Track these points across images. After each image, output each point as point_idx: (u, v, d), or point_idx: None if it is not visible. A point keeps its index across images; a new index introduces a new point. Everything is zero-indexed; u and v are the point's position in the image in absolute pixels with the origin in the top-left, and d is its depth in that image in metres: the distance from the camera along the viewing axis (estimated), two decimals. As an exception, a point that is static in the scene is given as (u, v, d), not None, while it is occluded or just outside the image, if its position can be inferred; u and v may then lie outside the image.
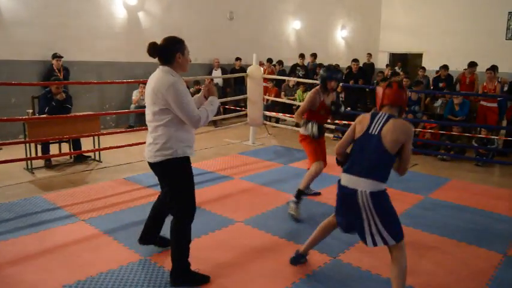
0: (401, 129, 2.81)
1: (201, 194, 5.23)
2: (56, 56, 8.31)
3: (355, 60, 11.14)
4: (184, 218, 3.17)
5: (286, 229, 4.21)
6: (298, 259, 3.46)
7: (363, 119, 2.99)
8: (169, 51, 3.15)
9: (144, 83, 3.75)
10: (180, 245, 3.17)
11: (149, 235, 3.65)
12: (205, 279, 3.23)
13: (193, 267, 3.22)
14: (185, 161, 3.13)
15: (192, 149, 3.19)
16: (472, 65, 9.36)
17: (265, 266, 3.47)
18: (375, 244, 2.85)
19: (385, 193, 2.85)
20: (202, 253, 3.65)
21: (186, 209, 3.16)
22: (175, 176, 3.12)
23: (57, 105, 6.38)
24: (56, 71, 8.23)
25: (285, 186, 5.59)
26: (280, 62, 12.09)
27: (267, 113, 9.42)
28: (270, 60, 11.88)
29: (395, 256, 2.86)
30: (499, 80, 8.55)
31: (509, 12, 14.35)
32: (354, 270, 3.44)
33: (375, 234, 2.84)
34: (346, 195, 2.91)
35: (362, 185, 2.81)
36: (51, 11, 8.46)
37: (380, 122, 2.87)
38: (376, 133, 2.84)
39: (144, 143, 3.28)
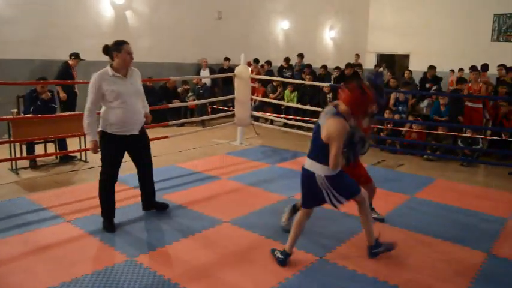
0: (332, 123, 3.17)
1: (188, 194, 5.22)
2: (77, 57, 8.26)
3: (351, 65, 11.07)
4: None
5: (273, 229, 4.21)
6: (286, 259, 3.48)
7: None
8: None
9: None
10: None
11: (146, 201, 4.48)
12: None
13: (180, 267, 3.22)
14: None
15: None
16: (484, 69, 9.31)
17: (252, 266, 3.47)
18: (336, 205, 3.39)
19: (337, 174, 3.30)
20: (189, 253, 3.65)
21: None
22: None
23: (42, 105, 6.31)
24: (72, 69, 8.21)
25: (272, 187, 5.60)
26: (268, 62, 12.11)
27: (255, 113, 9.43)
28: (256, 61, 11.89)
29: (359, 204, 3.46)
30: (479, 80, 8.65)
31: (494, 14, 14.55)
32: (340, 270, 3.46)
33: (333, 199, 3.35)
34: (305, 176, 3.39)
35: (318, 169, 3.28)
36: (37, 10, 8.37)
37: (327, 115, 3.26)
38: (321, 124, 3.27)
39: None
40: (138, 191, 4.63)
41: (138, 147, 4.27)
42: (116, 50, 4.03)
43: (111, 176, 4.10)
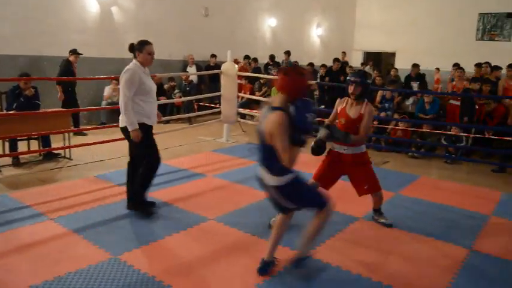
0: (272, 120, 2.84)
1: (174, 191, 5.20)
2: (75, 52, 8.27)
3: (337, 60, 11.16)
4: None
5: (258, 226, 4.21)
6: (266, 268, 3.34)
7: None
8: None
9: (116, 79, 4.21)
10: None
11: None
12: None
13: (165, 264, 3.21)
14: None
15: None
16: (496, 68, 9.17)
17: (238, 263, 3.48)
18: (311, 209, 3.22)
19: (291, 183, 3.03)
20: (174, 250, 3.64)
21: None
22: None
23: (25, 101, 6.23)
24: (73, 66, 8.25)
25: (258, 184, 5.58)
26: (255, 60, 12.09)
27: (241, 111, 9.42)
28: (247, 57, 11.86)
29: (319, 215, 3.18)
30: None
31: (479, 13, 14.72)
32: (324, 267, 3.48)
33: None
34: (261, 185, 3.24)
35: (268, 179, 3.08)
36: (21, 5, 8.23)
37: (265, 115, 2.97)
38: (262, 125, 2.97)
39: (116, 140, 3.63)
40: (123, 188, 4.60)
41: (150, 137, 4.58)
42: (139, 49, 4.31)
43: (158, 160, 4.50)
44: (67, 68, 8.18)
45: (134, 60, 4.30)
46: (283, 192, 3.06)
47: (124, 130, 4.31)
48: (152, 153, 4.45)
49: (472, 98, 7.77)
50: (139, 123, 4.21)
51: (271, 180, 3.04)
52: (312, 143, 3.84)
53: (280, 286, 3.18)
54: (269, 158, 2.98)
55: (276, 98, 2.98)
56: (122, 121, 4.26)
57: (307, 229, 3.24)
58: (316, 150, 3.87)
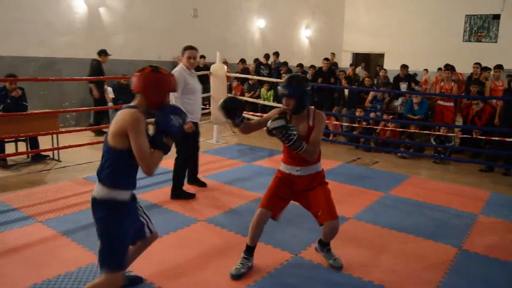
0: (123, 117, 2.38)
1: (163, 193, 5.17)
2: (104, 53, 8.57)
3: (326, 59, 11.19)
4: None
5: (248, 227, 4.19)
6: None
7: None
8: None
9: (104, 80, 4.17)
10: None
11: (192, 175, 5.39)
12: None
13: (155, 266, 3.18)
14: None
15: None
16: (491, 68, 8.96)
17: (228, 264, 3.46)
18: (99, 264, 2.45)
19: (108, 206, 2.42)
20: (164, 252, 3.61)
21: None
22: None
23: (12, 103, 6.16)
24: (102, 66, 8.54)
25: (248, 185, 5.59)
26: (242, 61, 12.08)
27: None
28: (243, 61, 11.88)
29: (94, 283, 2.45)
30: (453, 79, 8.82)
31: (466, 15, 14.90)
32: (316, 267, 3.48)
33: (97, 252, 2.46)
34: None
35: (96, 190, 2.47)
36: (5, 4, 8.14)
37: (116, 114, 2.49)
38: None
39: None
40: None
41: (196, 133, 5.08)
42: (182, 53, 4.88)
43: (188, 155, 5.09)
44: (98, 67, 8.50)
45: (181, 64, 4.87)
46: (96, 208, 2.45)
47: None
48: (186, 149, 4.97)
49: None
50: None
51: (97, 189, 2.46)
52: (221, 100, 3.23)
53: (271, 287, 3.17)
54: (103, 163, 2.46)
55: (136, 99, 2.53)
56: None
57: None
58: (224, 106, 3.19)
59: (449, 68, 8.67)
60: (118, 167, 2.44)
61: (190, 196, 5.04)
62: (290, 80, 3.20)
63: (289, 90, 3.13)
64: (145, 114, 2.46)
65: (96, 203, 2.45)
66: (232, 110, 3.22)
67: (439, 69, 10.46)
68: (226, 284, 3.20)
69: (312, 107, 3.29)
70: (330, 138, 9.02)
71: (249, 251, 3.39)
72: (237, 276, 3.25)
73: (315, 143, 3.15)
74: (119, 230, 2.45)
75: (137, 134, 2.35)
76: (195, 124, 4.93)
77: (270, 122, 3.05)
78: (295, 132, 3.00)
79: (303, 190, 3.30)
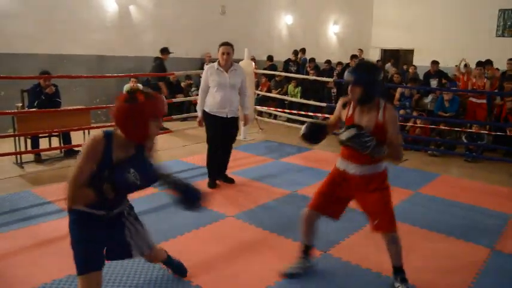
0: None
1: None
2: (167, 51, 9.03)
3: (355, 56, 11.09)
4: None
5: (276, 223, 4.22)
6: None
7: None
8: None
9: (136, 77, 4.25)
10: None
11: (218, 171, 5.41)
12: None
13: (184, 261, 3.23)
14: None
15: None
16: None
17: (256, 260, 3.48)
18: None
19: (78, 215, 2.38)
20: (193, 247, 3.66)
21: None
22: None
23: (46, 99, 6.33)
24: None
25: (276, 181, 5.60)
26: (270, 58, 12.05)
27: (259, 108, 9.43)
28: (270, 58, 11.89)
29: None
30: (486, 75, 8.59)
31: (499, 10, 14.47)
32: (343, 264, 3.47)
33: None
34: None
35: None
36: (40, 4, 8.38)
37: None
38: None
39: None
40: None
41: (227, 127, 5.16)
42: (218, 50, 5.02)
43: (215, 145, 5.25)
44: (162, 65, 8.92)
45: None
46: (70, 222, 2.44)
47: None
48: (212, 138, 5.22)
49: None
50: (208, 113, 5.07)
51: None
52: (303, 127, 3.07)
53: (299, 283, 3.18)
54: None
55: None
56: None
57: None
58: (309, 136, 3.04)
59: (481, 64, 8.46)
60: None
61: (211, 186, 5.26)
62: (358, 66, 2.96)
63: (355, 77, 2.82)
64: (121, 146, 2.29)
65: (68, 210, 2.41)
66: (314, 139, 3.06)
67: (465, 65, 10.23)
68: (255, 279, 3.21)
69: (382, 101, 2.92)
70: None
71: (304, 250, 3.29)
72: (289, 276, 3.20)
73: (395, 144, 2.83)
74: (79, 237, 2.40)
75: (82, 156, 2.23)
76: (229, 119, 5.08)
77: (340, 133, 2.82)
78: (370, 138, 2.73)
79: (359, 191, 3.00)
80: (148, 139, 2.36)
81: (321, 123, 3.17)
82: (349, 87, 2.84)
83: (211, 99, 5.05)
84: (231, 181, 5.48)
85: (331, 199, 3.09)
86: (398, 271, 3.07)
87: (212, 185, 5.27)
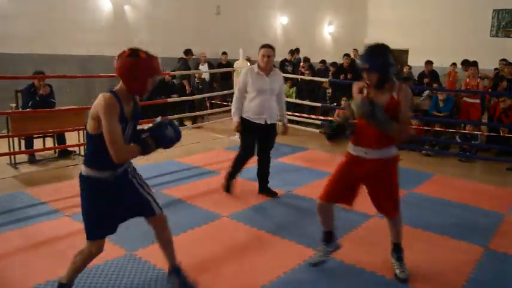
0: (98, 101, 2.40)
1: (187, 188, 5.23)
2: (189, 52, 9.68)
3: (347, 55, 11.12)
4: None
5: (272, 223, 4.23)
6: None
7: None
8: None
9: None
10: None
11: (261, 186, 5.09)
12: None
13: (180, 260, 3.22)
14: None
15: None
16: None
17: (252, 260, 3.49)
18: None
19: (89, 183, 2.55)
20: (188, 247, 3.66)
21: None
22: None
23: (41, 100, 6.30)
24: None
25: (271, 181, 5.59)
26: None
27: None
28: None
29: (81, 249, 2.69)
30: (479, 75, 8.64)
31: (493, 10, 14.54)
32: (338, 264, 3.47)
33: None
34: None
35: (82, 169, 2.59)
36: (36, 4, 8.35)
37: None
38: None
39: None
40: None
41: (265, 134, 4.85)
42: (258, 52, 4.66)
43: (247, 154, 4.96)
44: (186, 64, 9.64)
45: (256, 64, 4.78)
46: (83, 188, 2.61)
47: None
48: (246, 145, 4.91)
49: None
50: (245, 119, 4.74)
51: (83, 170, 2.58)
52: (327, 125, 3.14)
53: (295, 283, 3.18)
54: (88, 146, 2.61)
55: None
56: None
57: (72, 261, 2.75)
58: (332, 135, 3.04)
59: (470, 63, 8.50)
60: (94, 150, 2.52)
61: (228, 191, 5.05)
62: (370, 51, 2.90)
63: (370, 64, 2.84)
64: (125, 100, 2.47)
65: (79, 179, 2.60)
66: (338, 136, 3.06)
67: (453, 64, 10.32)
68: (250, 279, 3.22)
69: (397, 82, 3.01)
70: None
71: (325, 236, 3.36)
72: (315, 265, 3.31)
73: (404, 121, 2.90)
74: (92, 205, 2.60)
75: (108, 117, 2.34)
76: (268, 125, 4.76)
77: (355, 107, 2.87)
78: (382, 113, 2.79)
79: (372, 175, 3.04)
80: (146, 93, 2.55)
81: (345, 123, 3.11)
82: (365, 74, 2.90)
83: (249, 104, 4.70)
84: (274, 195, 5.04)
85: (343, 187, 3.14)
86: (397, 248, 3.34)
87: (228, 188, 5.04)
